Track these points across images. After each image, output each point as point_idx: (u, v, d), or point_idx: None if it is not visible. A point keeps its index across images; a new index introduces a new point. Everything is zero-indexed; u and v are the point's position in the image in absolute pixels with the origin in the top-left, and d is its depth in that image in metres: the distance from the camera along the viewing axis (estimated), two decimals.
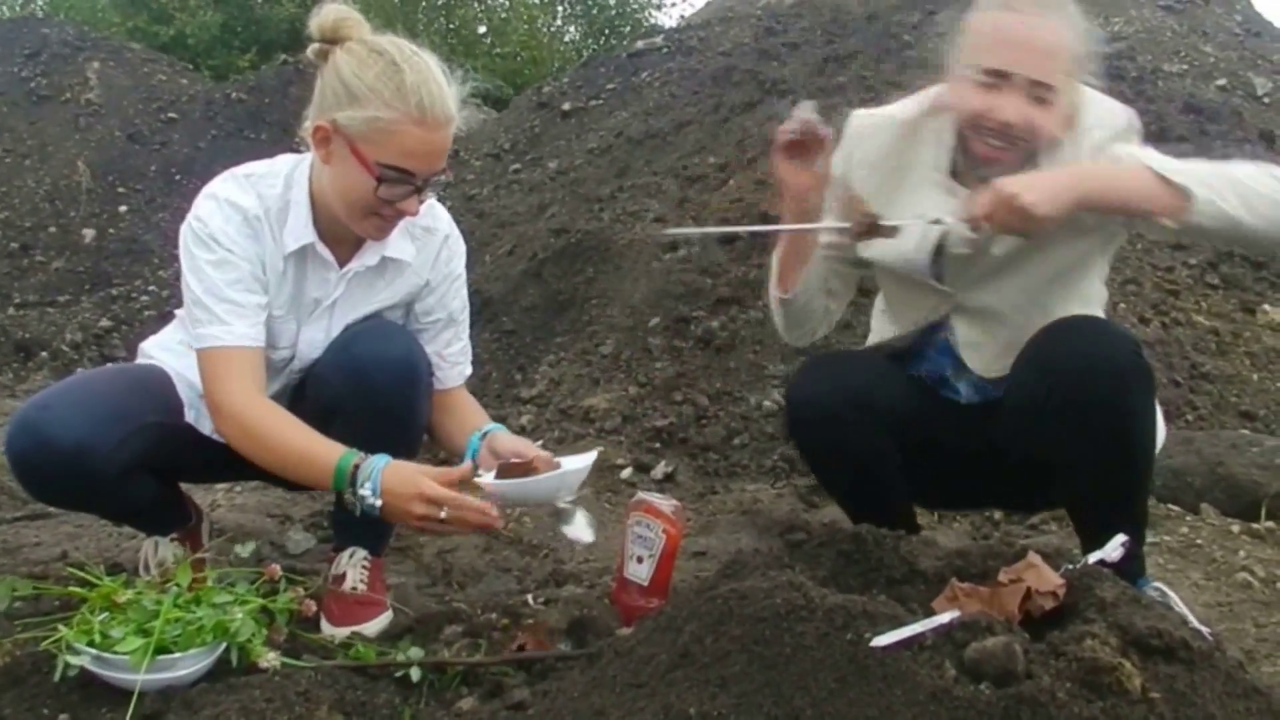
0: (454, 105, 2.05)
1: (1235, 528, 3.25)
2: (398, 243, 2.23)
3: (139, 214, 9.60)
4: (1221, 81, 8.66)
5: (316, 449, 2.02)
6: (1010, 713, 1.28)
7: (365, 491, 1.94)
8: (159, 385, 2.24)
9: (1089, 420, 1.94)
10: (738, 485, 3.58)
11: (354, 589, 2.28)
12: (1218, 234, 1.91)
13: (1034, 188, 1.86)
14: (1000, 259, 2.12)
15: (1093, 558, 1.64)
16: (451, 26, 17.05)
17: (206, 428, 2.24)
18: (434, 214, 2.30)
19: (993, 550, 1.67)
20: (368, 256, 2.22)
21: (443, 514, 1.93)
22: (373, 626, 2.23)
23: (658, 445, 3.90)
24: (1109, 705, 1.29)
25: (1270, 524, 3.28)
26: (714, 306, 4.59)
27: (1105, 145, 2.04)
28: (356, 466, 1.96)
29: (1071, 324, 2.02)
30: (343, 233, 2.17)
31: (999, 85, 1.99)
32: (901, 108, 2.27)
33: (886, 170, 2.21)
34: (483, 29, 17.76)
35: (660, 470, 3.66)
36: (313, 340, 2.24)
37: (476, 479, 2.04)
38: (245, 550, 1.97)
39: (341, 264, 2.21)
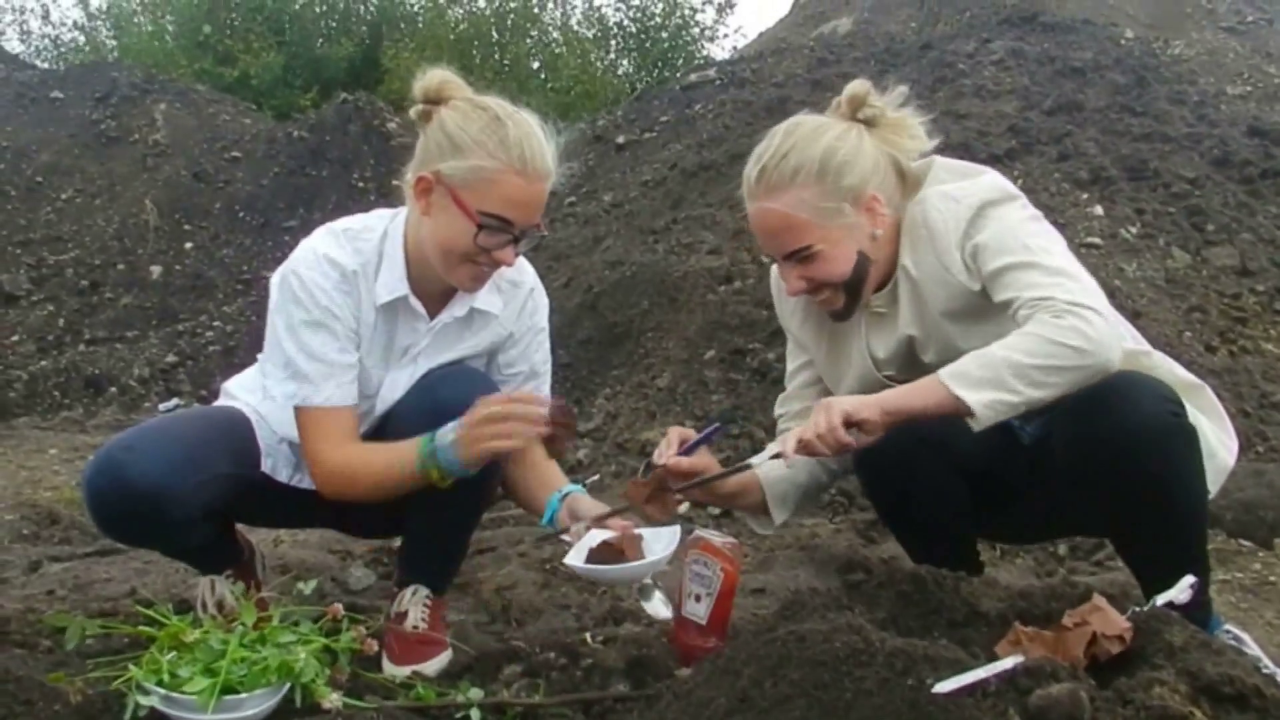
0: (553, 161, 2.13)
1: None
2: (485, 296, 2.29)
3: (204, 250, 9.82)
4: (1249, 106, 8.52)
5: (397, 451, 2.12)
6: None
7: (446, 430, 2.04)
8: (239, 432, 2.29)
9: (1132, 490, 1.92)
10: (795, 520, 3.55)
11: (415, 627, 2.30)
12: (1016, 414, 1.94)
13: (849, 402, 1.98)
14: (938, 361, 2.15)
15: (1160, 600, 1.61)
16: (506, 62, 17.27)
17: (283, 475, 2.31)
18: (520, 268, 2.37)
19: (1056, 591, 1.64)
20: (456, 308, 2.28)
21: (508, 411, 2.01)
22: (433, 665, 2.24)
23: None
24: None
25: None
26: (770, 338, 4.58)
27: (963, 242, 2.08)
28: (432, 439, 2.06)
29: (1108, 386, 1.96)
30: (433, 286, 2.24)
31: (779, 266, 2.25)
32: None
33: (816, 316, 2.35)
34: (536, 64, 17.98)
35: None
36: (396, 384, 2.30)
37: (566, 561, 2.10)
38: (308, 588, 1.99)
39: (431, 315, 2.27)
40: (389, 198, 11.19)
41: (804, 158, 2.13)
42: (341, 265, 2.19)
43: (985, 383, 1.89)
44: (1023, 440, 2.22)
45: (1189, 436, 1.94)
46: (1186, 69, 8.64)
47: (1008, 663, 1.42)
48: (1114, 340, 1.92)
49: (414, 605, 2.34)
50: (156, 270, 9.49)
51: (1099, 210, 5.53)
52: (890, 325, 2.22)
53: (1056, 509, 2.21)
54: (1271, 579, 3.02)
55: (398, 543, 3.16)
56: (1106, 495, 1.96)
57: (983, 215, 2.09)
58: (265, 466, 2.29)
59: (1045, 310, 1.91)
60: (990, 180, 2.17)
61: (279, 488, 2.31)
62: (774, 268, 2.43)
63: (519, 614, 2.74)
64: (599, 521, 2.18)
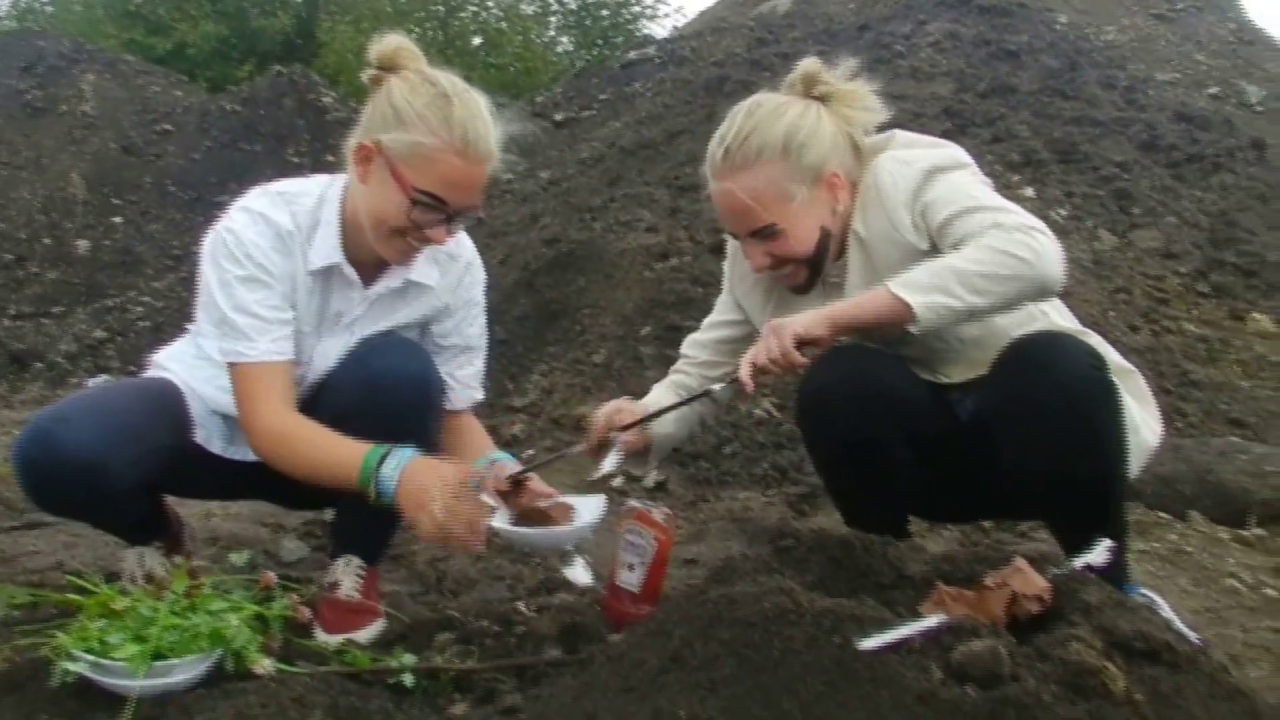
0: (496, 145, 2.11)
1: (1224, 534, 3.27)
2: (422, 267, 2.28)
3: (133, 225, 9.63)
4: (1214, 90, 8.72)
5: (345, 447, 2.06)
6: (996, 715, 1.30)
7: (390, 468, 1.98)
8: (172, 403, 2.26)
9: (1054, 441, 1.98)
10: (728, 493, 3.60)
11: (348, 596, 2.30)
12: (957, 323, 2.02)
13: (799, 322, 2.02)
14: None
15: (1078, 562, 1.66)
16: (446, 37, 17.11)
17: (216, 447, 2.29)
18: (458, 240, 2.35)
19: (979, 555, 1.69)
20: (392, 279, 2.27)
21: (438, 512, 1.94)
22: (366, 634, 2.24)
23: None
24: (1094, 707, 1.30)
25: (1259, 531, 3.31)
26: (706, 315, 4.60)
27: (911, 203, 2.14)
28: (385, 456, 2.01)
29: (1029, 345, 2.05)
30: (368, 254, 2.22)
31: (743, 243, 2.26)
32: None
33: (765, 284, 2.38)
34: (478, 40, 17.83)
35: (651, 478, 3.68)
36: (328, 353, 2.27)
37: (493, 523, 2.06)
38: (240, 559, 1.99)
39: (366, 284, 2.26)
40: (324, 173, 11.01)
41: (766, 137, 2.17)
42: (277, 225, 2.16)
43: (930, 287, 1.95)
44: (961, 417, 2.27)
45: (1108, 389, 2.01)
46: (1118, 54, 8.79)
47: (931, 621, 1.46)
48: (1057, 258, 1.98)
49: (347, 575, 2.33)
50: (84, 245, 9.30)
51: (1030, 192, 5.62)
52: (836, 297, 2.24)
53: (989, 486, 2.26)
54: (1187, 549, 3.12)
55: (330, 515, 3.17)
56: (1031, 452, 2.00)
57: (932, 178, 2.13)
58: (198, 437, 2.27)
59: (995, 228, 1.98)
60: (946, 150, 2.22)
61: (212, 459, 2.29)
62: (730, 240, 2.45)
63: (453, 585, 2.74)
64: (518, 478, 2.17)
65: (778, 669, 1.43)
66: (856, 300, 2.05)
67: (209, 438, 2.29)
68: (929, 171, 2.15)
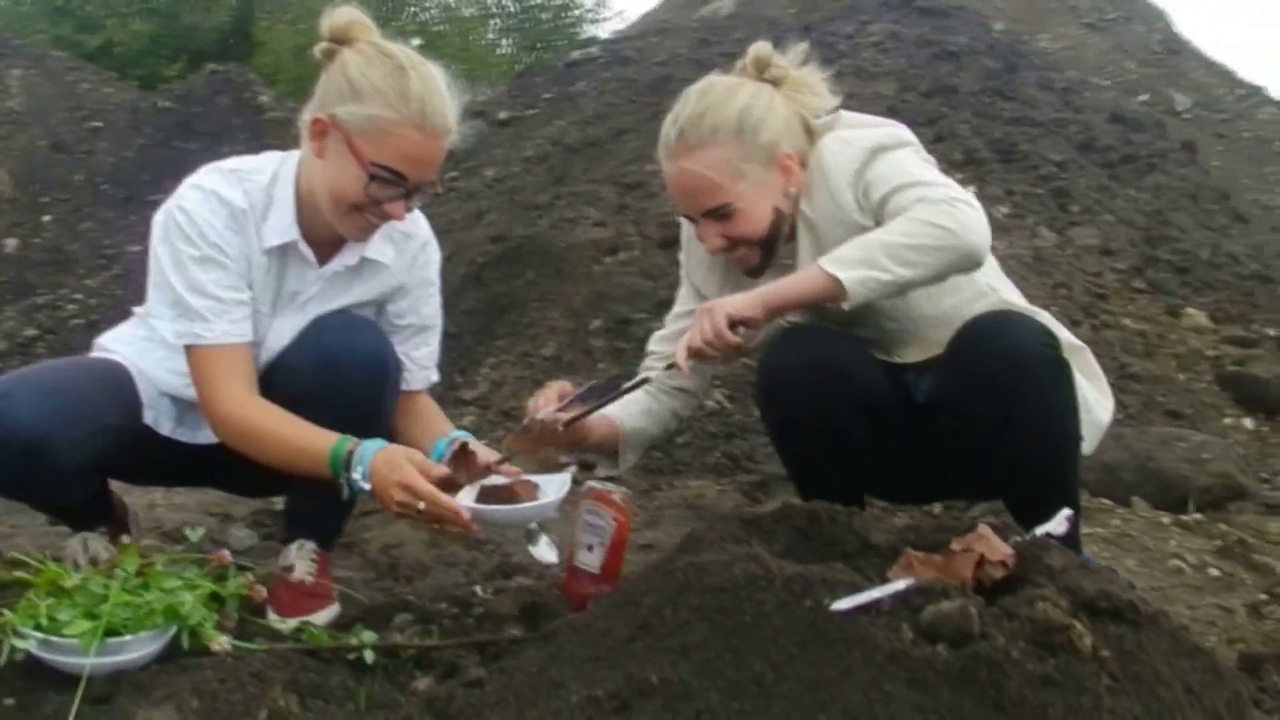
0: (454, 118, 2.08)
1: (1165, 519, 3.34)
2: (378, 245, 2.23)
3: (64, 223, 9.39)
4: (1144, 97, 8.93)
5: (311, 439, 2.02)
6: (967, 672, 1.30)
7: (357, 475, 1.95)
8: (120, 383, 2.20)
9: (1009, 418, 2.01)
10: (681, 482, 3.60)
11: (302, 580, 2.26)
12: (888, 296, 2.06)
13: (731, 303, 2.04)
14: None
15: (1040, 530, 1.68)
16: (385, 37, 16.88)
17: (165, 429, 2.23)
18: (414, 219, 2.30)
19: (944, 525, 1.71)
20: (348, 256, 2.22)
21: (420, 506, 1.93)
22: (321, 617, 2.19)
23: None
24: (1062, 663, 1.31)
25: (1198, 515, 3.38)
26: (655, 308, 4.60)
27: (855, 182, 2.16)
28: (351, 451, 1.97)
29: (983, 324, 2.08)
30: (324, 231, 2.17)
31: (697, 224, 2.25)
32: None
33: (721, 268, 2.39)
34: (417, 41, 17.68)
35: (603, 469, 3.64)
36: (282, 332, 2.22)
37: (456, 499, 2.02)
38: (195, 535, 1.94)
39: (321, 262, 2.21)
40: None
41: (720, 117, 2.17)
42: (231, 203, 2.11)
43: (859, 262, 1.97)
44: (916, 397, 2.29)
45: (1061, 366, 2.06)
46: (1053, 60, 8.95)
47: (900, 584, 1.46)
48: (983, 228, 2.02)
49: (300, 559, 2.29)
50: (12, 243, 9.05)
51: (972, 191, 5.69)
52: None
53: (944, 466, 2.29)
54: (1130, 533, 3.17)
55: (279, 505, 3.11)
56: (986, 429, 2.04)
57: (874, 157, 2.16)
58: (147, 419, 2.21)
59: (921, 202, 2.01)
60: (890, 128, 2.24)
61: (162, 442, 2.24)
62: (685, 224, 2.45)
63: (407, 571, 2.70)
64: (486, 469, 2.15)
65: (749, 632, 1.43)
66: (789, 280, 2.07)
67: (158, 419, 2.23)
68: (872, 150, 2.17)
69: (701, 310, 2.05)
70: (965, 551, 1.58)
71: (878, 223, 2.11)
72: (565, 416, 2.22)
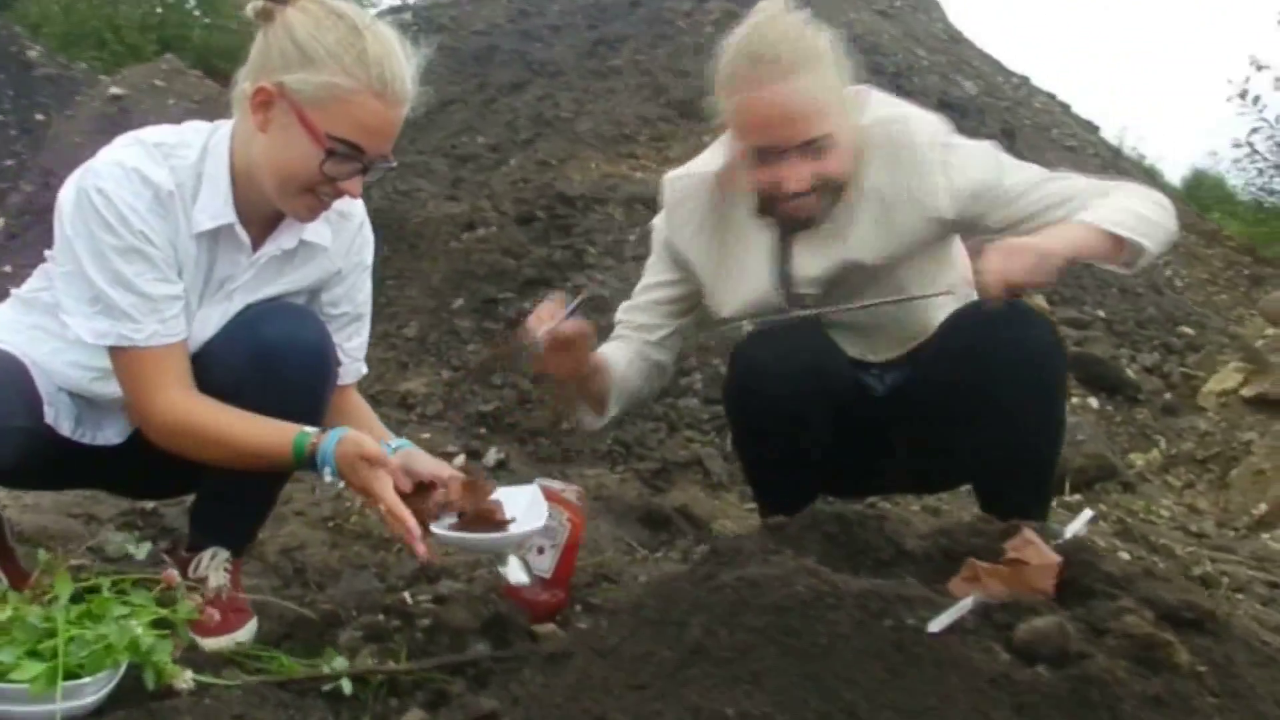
0: (412, 84, 1.87)
1: None
2: (315, 227, 2.00)
3: None
4: (935, 80, 9.28)
5: (268, 437, 1.85)
6: (1078, 694, 1.24)
7: (329, 478, 1.81)
8: (18, 378, 1.89)
9: (1020, 402, 2.00)
10: (575, 470, 3.47)
11: (218, 595, 2.02)
12: (1127, 268, 2.06)
13: (1049, 244, 1.92)
14: (856, 284, 2.18)
15: (1068, 532, 1.65)
16: (160, 9, 15.60)
17: (65, 429, 1.94)
18: (349, 200, 2.07)
19: (975, 529, 1.64)
20: (284, 239, 1.98)
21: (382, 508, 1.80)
22: (245, 634, 1.98)
23: (484, 431, 3.72)
24: (1166, 681, 1.27)
25: (1076, 496, 3.51)
26: (522, 288, 4.45)
27: (946, 170, 2.09)
28: (314, 447, 1.81)
29: (994, 311, 2.03)
30: (259, 212, 1.93)
31: (776, 159, 2.03)
32: (707, 162, 2.28)
33: (710, 228, 2.26)
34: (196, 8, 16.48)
35: (492, 457, 3.48)
36: (207, 321, 1.96)
37: (433, 527, 1.87)
38: (140, 552, 1.70)
39: (255, 246, 1.96)
40: (33, 133, 9.98)
41: (814, 44, 2.03)
42: (156, 184, 1.83)
43: (1133, 229, 1.96)
44: (876, 391, 2.26)
45: (1065, 356, 2.10)
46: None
47: (979, 598, 1.39)
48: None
49: (214, 570, 2.06)
50: None
51: None
52: (834, 245, 2.15)
53: (900, 459, 2.27)
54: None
55: (149, 505, 2.81)
56: (995, 409, 2.00)
57: (951, 146, 2.10)
58: (48, 417, 1.92)
59: (1120, 189, 2.06)
60: (936, 116, 2.18)
61: (61, 443, 1.94)
62: (666, 178, 2.32)
63: (316, 576, 2.48)
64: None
65: (828, 657, 1.33)
66: (1077, 237, 1.94)
67: (58, 419, 1.93)
68: (949, 139, 2.11)
69: (1018, 246, 1.89)
70: (1043, 564, 1.49)
71: (961, 216, 2.07)
72: (569, 325, 2.08)
